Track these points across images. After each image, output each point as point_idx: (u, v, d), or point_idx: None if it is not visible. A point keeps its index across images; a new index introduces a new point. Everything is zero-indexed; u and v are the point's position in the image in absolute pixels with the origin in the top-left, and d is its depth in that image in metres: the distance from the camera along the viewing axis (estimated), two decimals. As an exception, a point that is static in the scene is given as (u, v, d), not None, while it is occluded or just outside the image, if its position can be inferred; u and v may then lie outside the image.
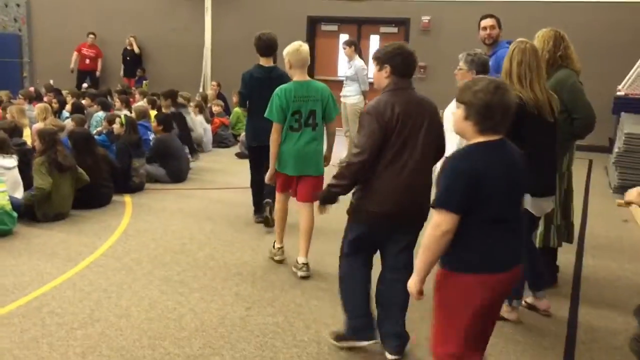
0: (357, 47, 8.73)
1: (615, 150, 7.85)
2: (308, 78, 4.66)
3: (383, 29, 12.71)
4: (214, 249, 5.14)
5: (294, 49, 4.61)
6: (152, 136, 7.95)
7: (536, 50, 3.69)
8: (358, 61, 8.63)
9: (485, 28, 5.35)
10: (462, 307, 2.43)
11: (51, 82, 13.05)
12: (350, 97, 8.69)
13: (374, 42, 12.88)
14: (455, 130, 2.57)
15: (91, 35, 14.05)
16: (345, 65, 9.43)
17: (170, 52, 14.08)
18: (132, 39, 13.99)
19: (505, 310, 3.90)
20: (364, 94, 8.62)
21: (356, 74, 8.45)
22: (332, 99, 4.64)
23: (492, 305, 2.50)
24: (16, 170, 5.85)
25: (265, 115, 4.54)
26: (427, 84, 12.19)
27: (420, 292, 2.51)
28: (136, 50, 14.03)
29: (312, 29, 13.13)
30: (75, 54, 14.06)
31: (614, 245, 5.58)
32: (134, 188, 6.87)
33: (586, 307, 4.20)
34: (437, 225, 2.36)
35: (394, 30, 12.63)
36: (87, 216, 5.96)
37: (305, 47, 4.66)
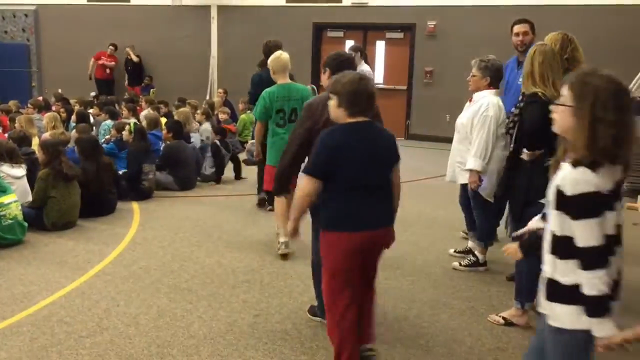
0: (362, 52, 8.74)
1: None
2: (289, 81, 5.34)
3: (389, 35, 12.73)
4: (222, 256, 5.15)
5: (275, 57, 5.30)
6: (162, 145, 7.98)
7: (555, 53, 3.78)
8: (364, 66, 8.62)
9: (517, 34, 5.23)
10: (337, 260, 2.95)
11: (59, 91, 13.14)
12: None
13: (380, 48, 12.90)
14: (331, 117, 3.01)
15: (111, 47, 14.19)
16: (351, 71, 9.42)
17: (177, 60, 14.15)
18: (129, 49, 14.10)
19: (514, 314, 3.89)
20: None
21: None
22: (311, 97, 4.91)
23: (362, 260, 3.00)
24: (25, 180, 5.89)
25: (253, 113, 4.90)
26: (433, 88, 12.21)
27: (294, 231, 3.10)
28: (134, 59, 14.12)
29: (318, 36, 13.17)
30: (92, 60, 14.14)
31: (624, 248, 5.53)
32: (144, 192, 6.89)
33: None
34: (301, 187, 2.95)
35: (400, 35, 12.64)
36: (95, 224, 5.98)
37: (285, 55, 5.34)
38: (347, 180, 2.88)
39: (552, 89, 3.59)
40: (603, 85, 1.98)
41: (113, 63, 14.26)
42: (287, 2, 13.16)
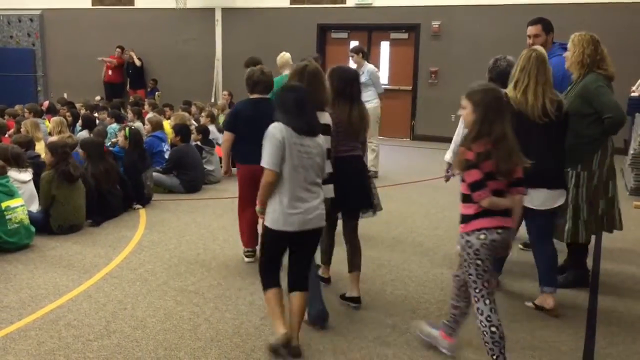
0: (364, 53, 8.73)
1: (631, 152, 7.77)
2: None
3: (393, 35, 12.72)
4: (228, 258, 5.15)
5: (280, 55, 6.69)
6: (166, 147, 8.00)
7: (543, 60, 3.91)
8: (369, 66, 8.61)
9: (529, 36, 5.20)
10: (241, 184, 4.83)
11: (65, 95, 13.19)
12: (369, 102, 8.67)
13: (385, 49, 12.89)
14: None
15: (118, 49, 14.22)
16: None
17: (182, 63, 14.18)
18: (132, 53, 14.14)
19: (541, 300, 4.06)
20: (380, 97, 8.62)
21: (370, 78, 8.43)
22: None
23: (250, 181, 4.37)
24: (31, 184, 5.91)
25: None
26: (438, 88, 12.19)
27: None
28: (137, 62, 14.17)
29: (323, 37, 13.17)
30: (106, 66, 14.19)
31: (631, 248, 5.51)
32: (142, 199, 6.87)
33: (605, 311, 4.14)
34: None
35: (404, 36, 12.62)
36: (102, 228, 5.99)
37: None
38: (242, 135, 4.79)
39: (519, 93, 3.86)
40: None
41: (114, 61, 14.21)
42: (291, 3, 13.17)
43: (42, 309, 4.06)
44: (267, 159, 3.28)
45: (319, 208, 3.39)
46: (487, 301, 3.08)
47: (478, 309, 3.09)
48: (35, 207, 5.81)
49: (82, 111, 10.27)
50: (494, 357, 3.05)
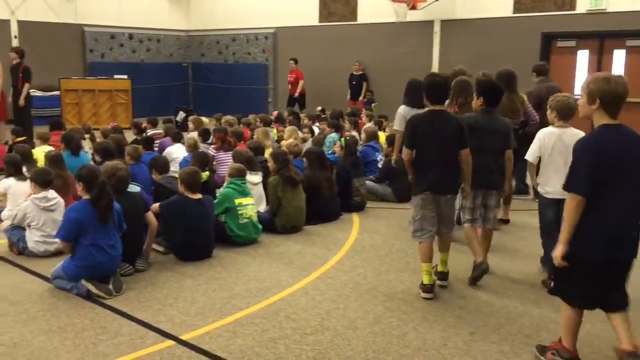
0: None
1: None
2: None
3: (630, 42, 11.55)
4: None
5: None
6: (380, 157, 8.24)
7: None
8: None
9: None
10: None
11: (319, 108, 14.27)
12: None
13: (619, 57, 11.77)
14: None
15: (291, 61, 14.95)
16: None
17: (398, 75, 14.42)
18: (357, 64, 14.71)
19: None
20: None
21: None
22: None
23: None
24: (261, 186, 6.53)
25: None
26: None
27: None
28: (357, 73, 14.66)
29: (547, 46, 12.48)
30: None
31: None
32: (355, 206, 7.16)
33: None
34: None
35: (643, 43, 11.41)
36: (319, 230, 6.38)
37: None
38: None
39: None
40: None
41: (293, 77, 14.73)
42: (513, 12, 12.71)
43: (266, 299, 4.45)
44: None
45: None
46: None
47: None
48: (262, 207, 6.41)
49: (305, 121, 11.06)
50: None
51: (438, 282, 4.67)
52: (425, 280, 4.51)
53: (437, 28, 13.87)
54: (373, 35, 14.85)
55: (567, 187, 3.18)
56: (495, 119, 4.84)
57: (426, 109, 4.66)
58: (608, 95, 3.11)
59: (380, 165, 8.10)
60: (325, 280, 4.87)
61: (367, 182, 7.62)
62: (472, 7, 13.36)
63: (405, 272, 5.08)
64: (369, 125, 9.94)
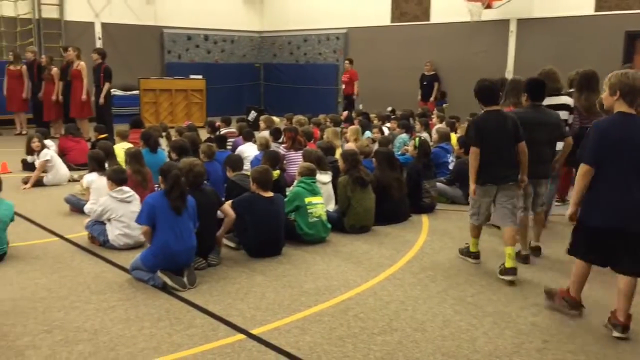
0: None
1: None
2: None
3: None
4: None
5: None
6: (451, 158, 8.12)
7: None
8: None
9: None
10: None
11: (360, 106, 14.29)
12: None
13: None
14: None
15: (346, 62, 14.78)
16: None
17: (471, 75, 14.05)
18: (428, 64, 14.51)
19: None
20: None
21: None
22: None
23: None
24: (330, 186, 6.57)
25: None
26: None
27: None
28: (428, 73, 14.47)
29: (631, 46, 11.91)
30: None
31: None
32: (424, 208, 7.08)
33: None
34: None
35: None
36: (388, 230, 6.35)
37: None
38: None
39: None
40: None
41: (347, 77, 14.53)
42: (595, 10, 12.21)
43: (335, 298, 4.48)
44: None
45: None
46: None
47: None
48: (331, 206, 6.45)
49: (375, 122, 11.04)
50: None
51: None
52: (508, 264, 4.82)
53: (513, 27, 13.52)
54: (446, 35, 14.63)
55: (579, 157, 3.86)
56: (543, 112, 5.26)
57: (483, 111, 5.12)
58: (626, 87, 3.66)
59: (451, 167, 7.98)
60: (393, 281, 4.85)
61: (437, 183, 7.52)
62: (551, 6, 12.94)
63: (476, 275, 4.99)
64: (441, 126, 9.81)
